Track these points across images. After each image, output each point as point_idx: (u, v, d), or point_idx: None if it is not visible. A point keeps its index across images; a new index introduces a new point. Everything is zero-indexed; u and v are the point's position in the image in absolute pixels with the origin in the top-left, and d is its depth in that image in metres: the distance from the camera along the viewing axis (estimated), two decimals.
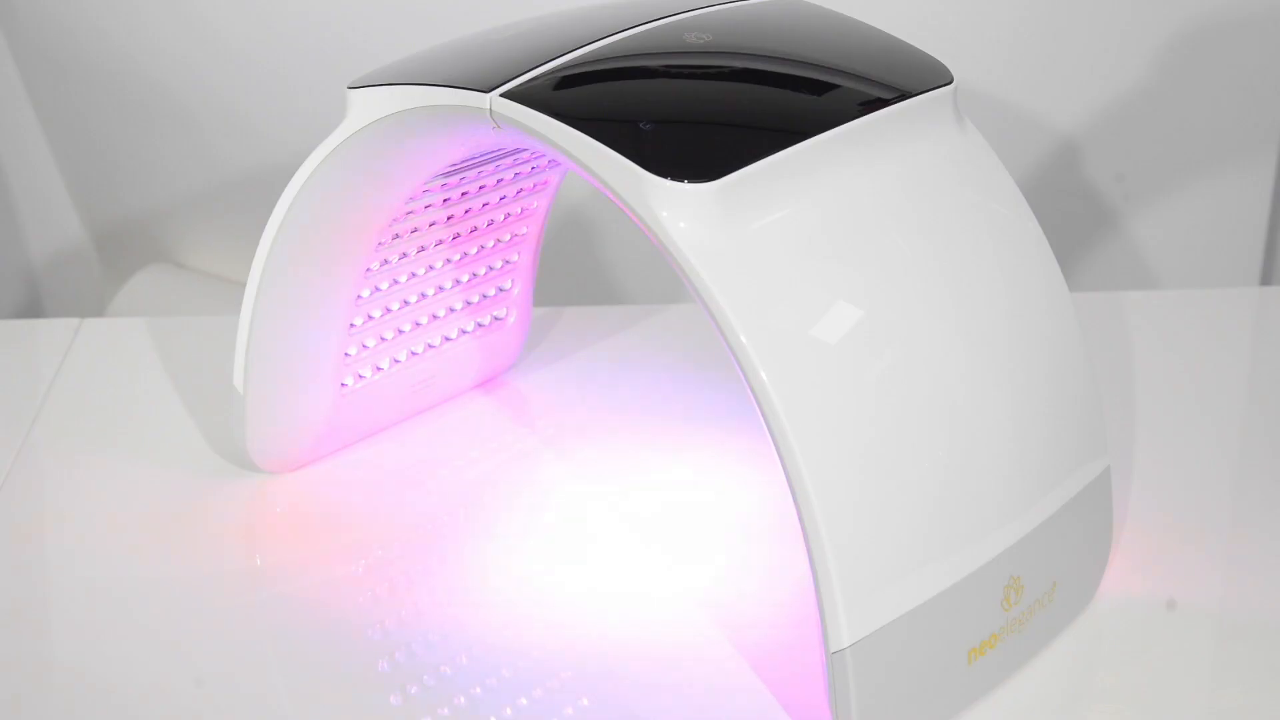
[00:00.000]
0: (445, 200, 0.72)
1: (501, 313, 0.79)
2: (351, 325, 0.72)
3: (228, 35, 1.09)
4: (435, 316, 0.76)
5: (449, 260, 0.75)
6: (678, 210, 0.54)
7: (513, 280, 0.78)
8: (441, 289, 0.75)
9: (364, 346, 0.74)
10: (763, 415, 0.53)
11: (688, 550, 0.69)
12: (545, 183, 0.75)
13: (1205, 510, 0.71)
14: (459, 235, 0.74)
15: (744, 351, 0.53)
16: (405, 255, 0.72)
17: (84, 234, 1.23)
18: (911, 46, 0.63)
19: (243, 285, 0.68)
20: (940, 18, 1.05)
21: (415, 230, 0.72)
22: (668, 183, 0.54)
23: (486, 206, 0.74)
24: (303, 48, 1.08)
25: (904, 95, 0.59)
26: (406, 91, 0.62)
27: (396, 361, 0.76)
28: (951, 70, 0.61)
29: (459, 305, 0.77)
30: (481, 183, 0.72)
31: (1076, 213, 1.14)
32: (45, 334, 0.89)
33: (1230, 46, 1.08)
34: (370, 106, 0.64)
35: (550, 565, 0.69)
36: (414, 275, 0.73)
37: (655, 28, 0.62)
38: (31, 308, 1.26)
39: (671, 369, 0.82)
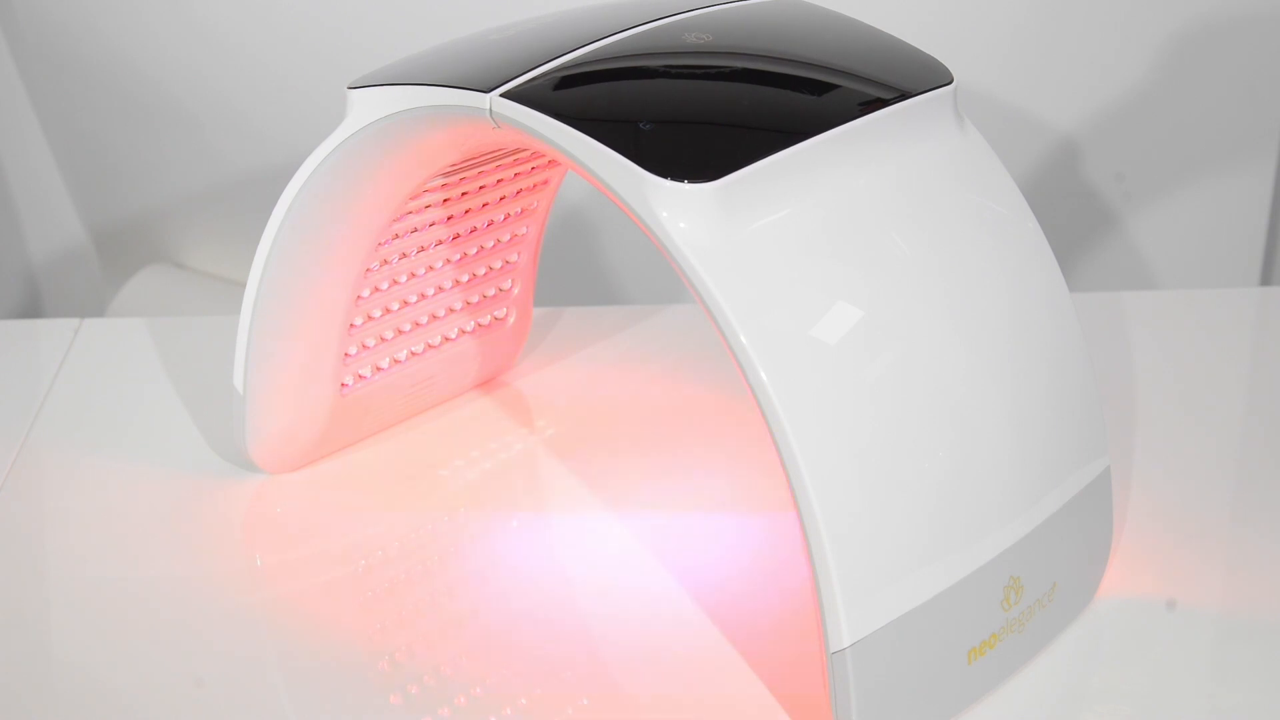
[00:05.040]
0: (445, 200, 0.72)
1: (501, 313, 0.79)
2: (352, 325, 0.72)
3: (228, 35, 1.09)
4: (435, 316, 0.76)
5: (449, 260, 0.75)
6: (678, 210, 0.54)
7: (513, 280, 0.78)
8: (441, 289, 0.75)
9: (364, 346, 0.74)
10: (763, 415, 0.53)
11: (687, 550, 0.69)
12: (545, 183, 0.75)
13: (1205, 510, 0.71)
14: (459, 235, 0.74)
15: (744, 351, 0.53)
16: (405, 255, 0.72)
17: (84, 234, 1.23)
18: (911, 46, 0.63)
19: (243, 285, 0.68)
20: (940, 18, 1.05)
21: (415, 230, 0.72)
22: (668, 183, 0.54)
23: (486, 206, 0.74)
24: (303, 48, 1.08)
25: (904, 95, 0.59)
26: (406, 91, 0.62)
27: (396, 361, 0.76)
28: (951, 70, 0.61)
29: (459, 305, 0.77)
30: (481, 183, 0.72)
31: (1076, 213, 1.14)
32: (45, 334, 0.89)
33: (1230, 46, 1.08)
34: (370, 106, 0.64)
35: (550, 565, 0.69)
36: (414, 275, 0.73)
37: (655, 28, 0.62)
38: (31, 308, 1.26)
39: (671, 369, 0.82)
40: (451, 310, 0.77)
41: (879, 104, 0.58)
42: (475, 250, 0.76)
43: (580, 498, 0.73)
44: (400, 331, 0.75)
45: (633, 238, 0.99)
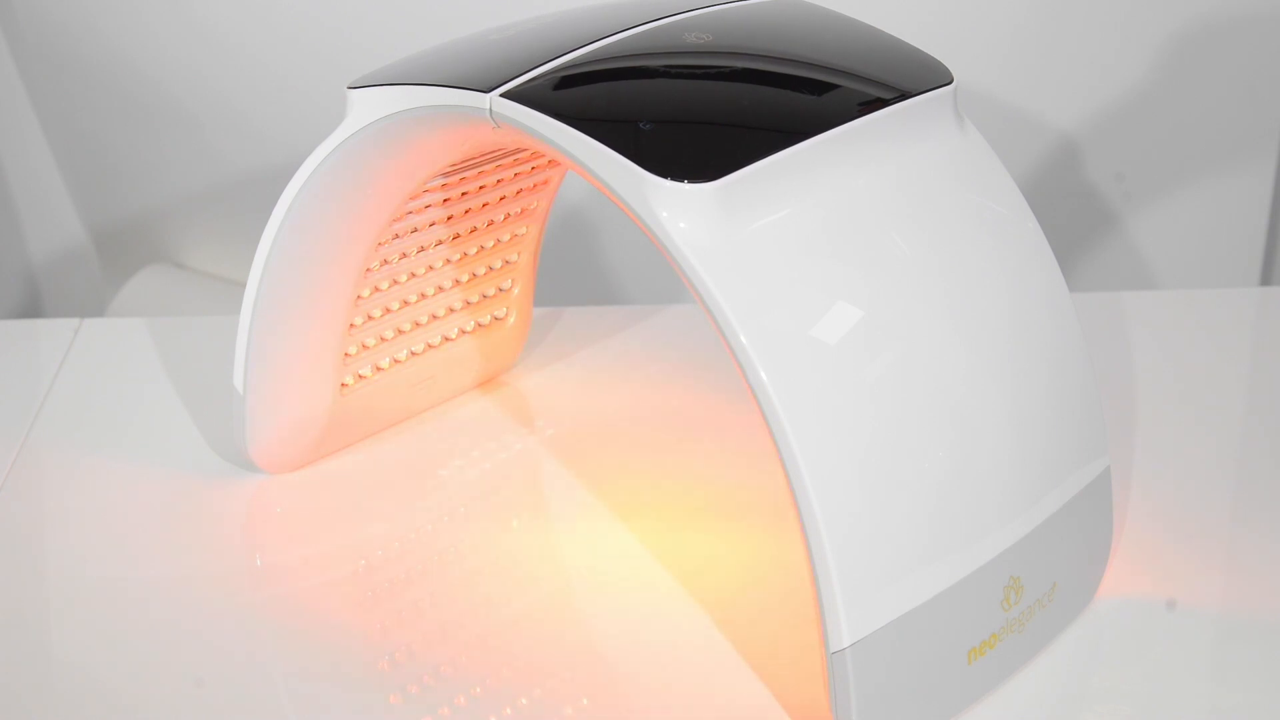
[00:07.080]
0: (445, 200, 0.72)
1: (501, 313, 0.79)
2: (351, 325, 0.72)
3: (228, 35, 1.09)
4: (435, 316, 0.76)
5: (449, 260, 0.75)
6: (678, 210, 0.54)
7: (512, 280, 0.79)
8: (441, 289, 0.75)
9: (364, 346, 0.74)
10: (763, 415, 0.53)
11: (687, 550, 0.69)
12: (545, 183, 0.75)
13: (1205, 510, 0.71)
14: (459, 235, 0.74)
15: (744, 352, 0.53)
16: (405, 255, 0.72)
17: (84, 234, 1.23)
18: (911, 46, 0.63)
19: (243, 285, 0.68)
20: (940, 18, 1.05)
21: (415, 230, 0.72)
22: (668, 183, 0.54)
23: (486, 206, 0.74)
24: (303, 48, 1.09)
25: (904, 95, 0.59)
26: (407, 91, 0.62)
27: (396, 361, 0.76)
28: (951, 70, 0.61)
29: (459, 305, 0.77)
30: (481, 183, 0.72)
31: (1076, 213, 1.14)
32: (45, 334, 0.89)
33: (1230, 46, 1.08)
34: (370, 106, 0.64)
35: (550, 565, 0.69)
36: (414, 275, 0.73)
37: (655, 28, 0.62)
38: (31, 308, 1.26)
39: (671, 369, 0.82)
40: (451, 310, 0.77)
41: (879, 104, 0.58)
42: (475, 250, 0.76)
43: (580, 497, 0.73)
44: (400, 331, 0.75)
45: (633, 238, 0.99)
